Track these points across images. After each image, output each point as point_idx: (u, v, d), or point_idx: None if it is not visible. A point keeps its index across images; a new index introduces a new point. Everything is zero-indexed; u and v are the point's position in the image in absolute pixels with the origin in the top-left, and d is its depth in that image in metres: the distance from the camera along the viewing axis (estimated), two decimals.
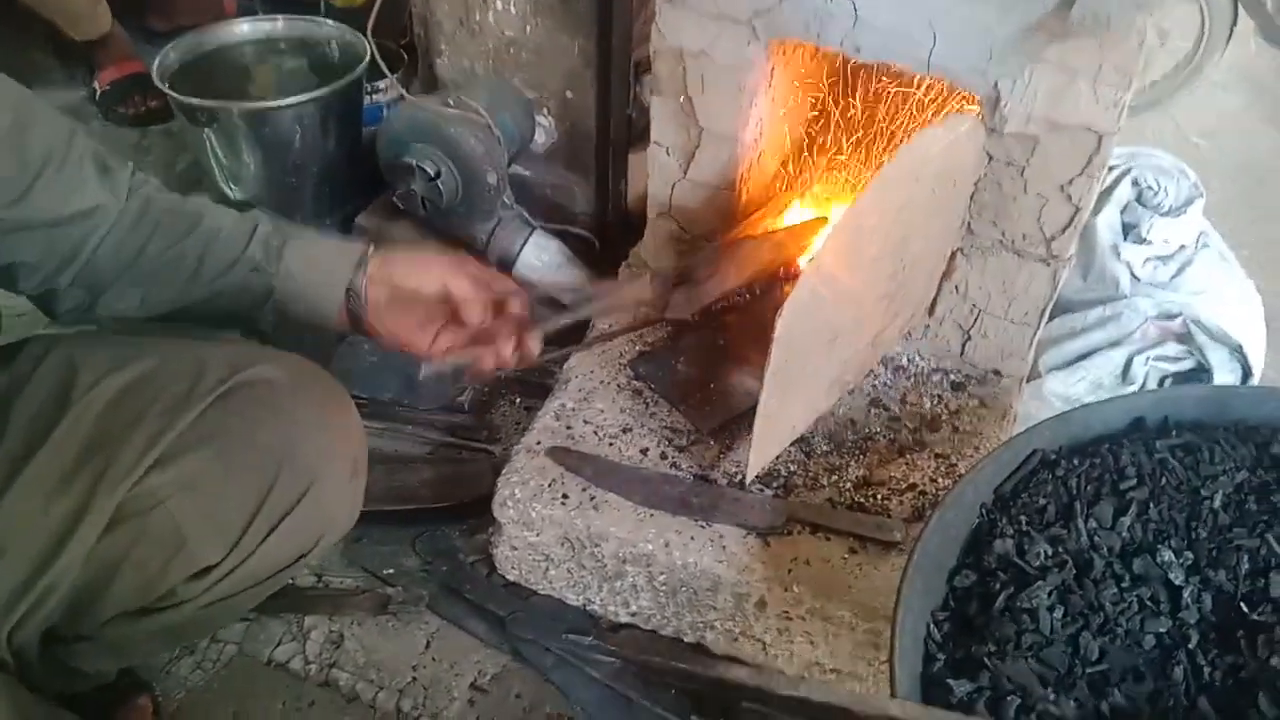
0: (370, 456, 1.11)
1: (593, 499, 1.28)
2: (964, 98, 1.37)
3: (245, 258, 1.01)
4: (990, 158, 1.28)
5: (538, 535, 1.30)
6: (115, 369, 0.96)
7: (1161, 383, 1.64)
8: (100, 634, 0.99)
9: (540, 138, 1.80)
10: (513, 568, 1.37)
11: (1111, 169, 1.71)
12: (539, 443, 1.35)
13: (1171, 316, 1.64)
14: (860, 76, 1.63)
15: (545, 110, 1.77)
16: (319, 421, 1.02)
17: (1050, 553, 0.91)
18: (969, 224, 1.36)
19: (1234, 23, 2.53)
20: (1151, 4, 1.08)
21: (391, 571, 1.43)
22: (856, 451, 1.35)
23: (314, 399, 1.03)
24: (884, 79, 1.58)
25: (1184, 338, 1.63)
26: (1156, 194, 1.72)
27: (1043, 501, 0.97)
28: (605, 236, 1.83)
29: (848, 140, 1.62)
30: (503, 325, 1.09)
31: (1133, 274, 1.69)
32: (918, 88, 1.53)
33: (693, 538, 1.24)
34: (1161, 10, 1.11)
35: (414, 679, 1.32)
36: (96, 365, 0.97)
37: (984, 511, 0.98)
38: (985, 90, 1.23)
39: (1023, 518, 0.96)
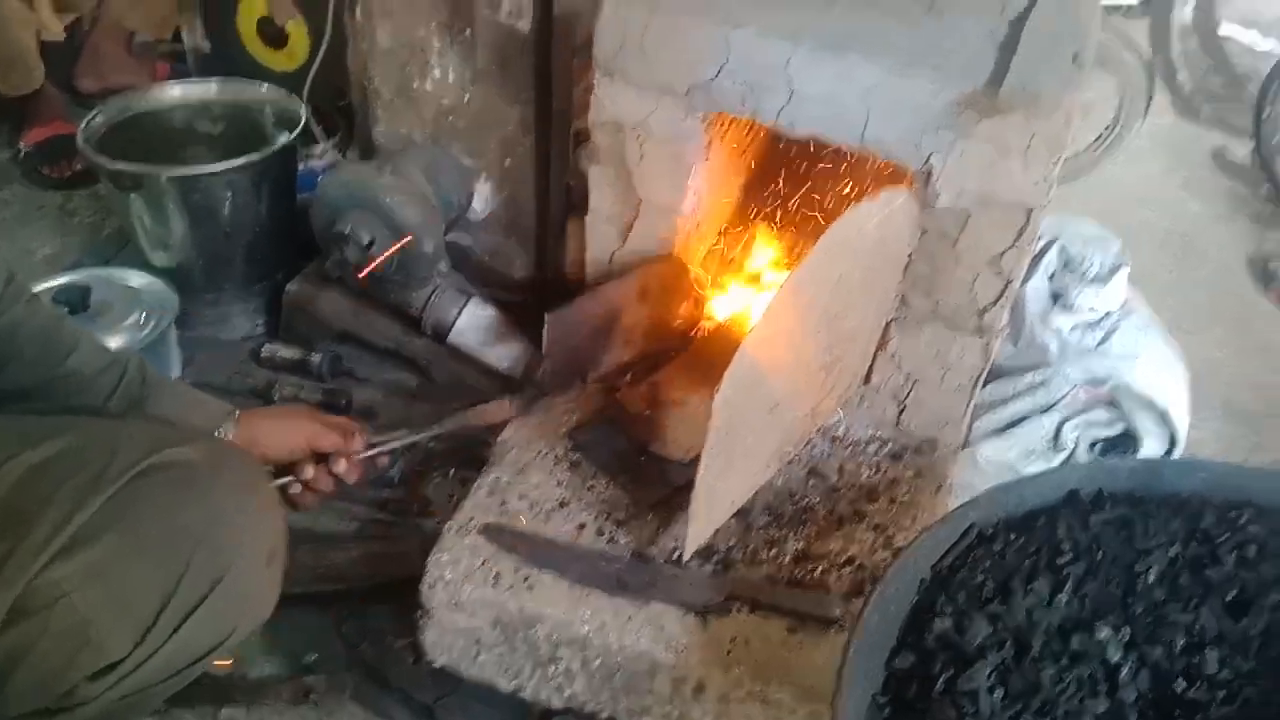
0: (294, 535, 1.08)
1: (526, 579, 1.24)
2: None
3: (102, 411, 1.07)
4: (923, 231, 1.30)
5: (469, 618, 1.25)
6: (26, 448, 0.93)
7: (1092, 447, 1.65)
8: None
9: (479, 205, 1.79)
10: (442, 652, 1.31)
11: (1039, 238, 1.74)
12: (471, 519, 1.30)
13: (1099, 382, 1.66)
14: (799, 148, 1.65)
15: (484, 178, 1.76)
16: (236, 505, 0.99)
17: (989, 632, 0.90)
18: (903, 295, 1.37)
19: (1150, 95, 2.64)
20: (1077, 81, 1.11)
21: (314, 657, 1.36)
22: (795, 523, 1.34)
23: (231, 482, 1.00)
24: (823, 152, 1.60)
25: (1112, 403, 1.66)
26: (1083, 262, 1.76)
27: (980, 578, 0.96)
28: (544, 303, 1.81)
29: (785, 211, 1.64)
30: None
31: (1061, 340, 1.72)
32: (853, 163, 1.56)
33: (629, 619, 1.21)
34: (1086, 86, 1.14)
35: None
36: (5, 443, 0.93)
37: (922, 588, 0.97)
38: (918, 164, 1.25)
39: (961, 595, 0.94)
